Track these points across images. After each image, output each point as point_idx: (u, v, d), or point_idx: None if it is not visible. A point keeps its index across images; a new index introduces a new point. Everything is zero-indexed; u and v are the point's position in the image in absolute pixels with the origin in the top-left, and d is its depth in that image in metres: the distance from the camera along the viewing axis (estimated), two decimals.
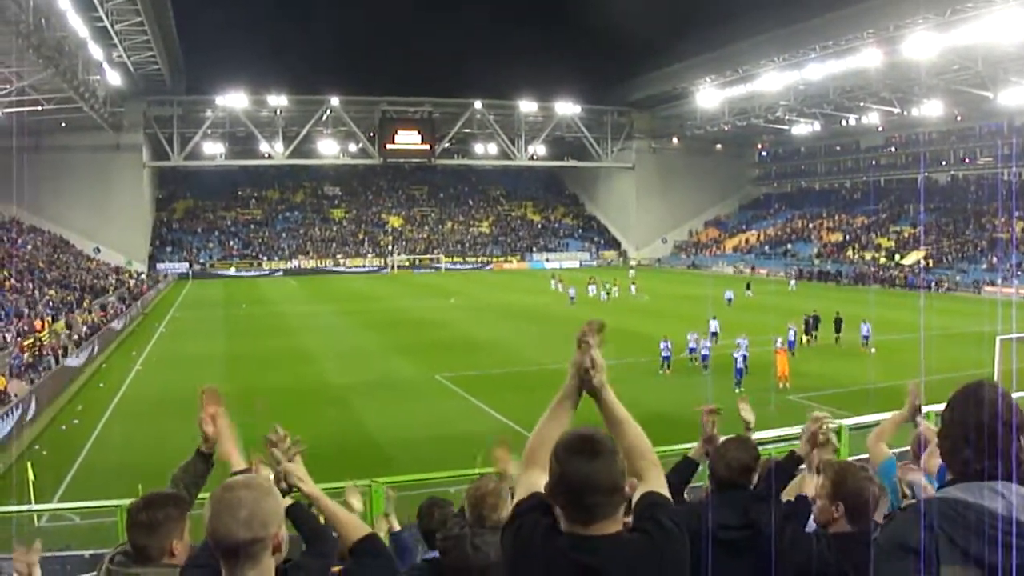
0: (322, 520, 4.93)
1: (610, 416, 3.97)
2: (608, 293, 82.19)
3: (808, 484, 6.38)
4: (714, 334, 49.80)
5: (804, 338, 51.99)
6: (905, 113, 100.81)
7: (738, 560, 5.47)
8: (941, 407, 3.68)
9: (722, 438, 6.68)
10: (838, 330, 53.47)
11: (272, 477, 4.63)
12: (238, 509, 3.49)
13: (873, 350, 48.61)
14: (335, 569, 4.87)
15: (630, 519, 3.80)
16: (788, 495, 6.33)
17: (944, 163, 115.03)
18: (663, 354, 44.00)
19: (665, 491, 3.88)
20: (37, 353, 48.39)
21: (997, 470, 3.25)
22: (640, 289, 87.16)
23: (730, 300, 69.57)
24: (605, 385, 3.97)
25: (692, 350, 46.00)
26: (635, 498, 3.85)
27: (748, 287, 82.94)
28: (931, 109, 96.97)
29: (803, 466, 6.52)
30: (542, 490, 3.80)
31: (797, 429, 7.97)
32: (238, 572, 3.56)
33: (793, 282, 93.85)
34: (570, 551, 3.56)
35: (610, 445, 3.64)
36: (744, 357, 41.35)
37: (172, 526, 4.82)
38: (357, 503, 7.51)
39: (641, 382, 39.96)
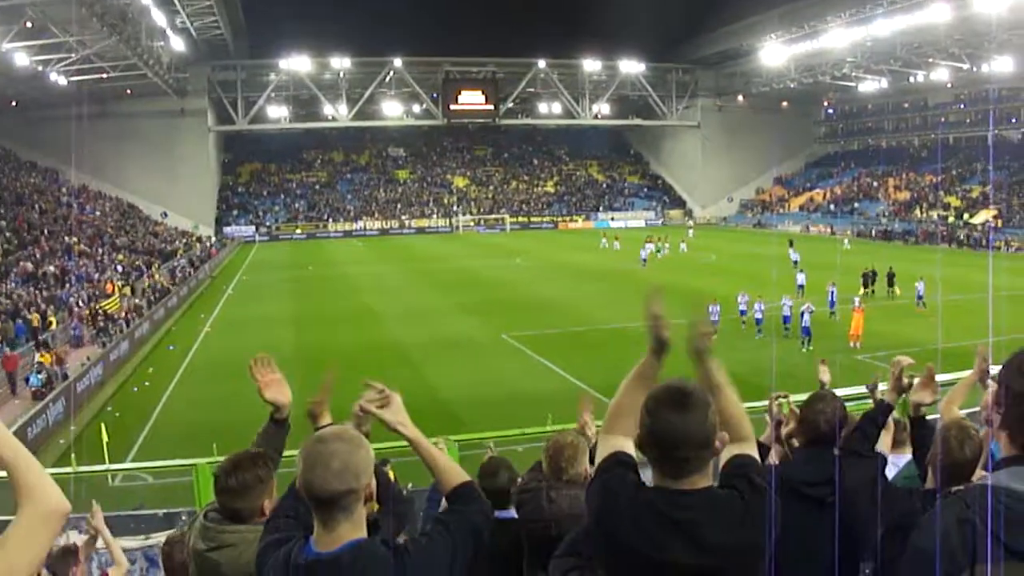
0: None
1: (708, 380, 3.88)
2: (659, 251, 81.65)
3: (886, 437, 6.32)
4: (800, 287, 49.16)
5: (862, 291, 51.63)
6: (975, 69, 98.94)
7: (825, 516, 5.42)
8: None
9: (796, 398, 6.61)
10: (891, 284, 54.07)
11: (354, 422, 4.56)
12: (331, 460, 3.52)
13: (923, 308, 48.61)
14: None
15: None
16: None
17: (1015, 120, 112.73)
18: (711, 318, 41.92)
19: (756, 456, 3.88)
20: (102, 318, 48.86)
21: None
22: (691, 247, 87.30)
23: (796, 262, 66.23)
24: (709, 351, 3.91)
25: (743, 312, 45.11)
26: (723, 459, 3.84)
27: (791, 244, 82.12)
28: (1001, 65, 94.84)
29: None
30: (625, 451, 3.81)
31: (864, 389, 7.86)
32: (331, 523, 3.59)
33: (847, 241, 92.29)
34: (660, 505, 3.55)
35: (702, 398, 3.60)
36: (797, 315, 41.71)
37: (261, 488, 4.86)
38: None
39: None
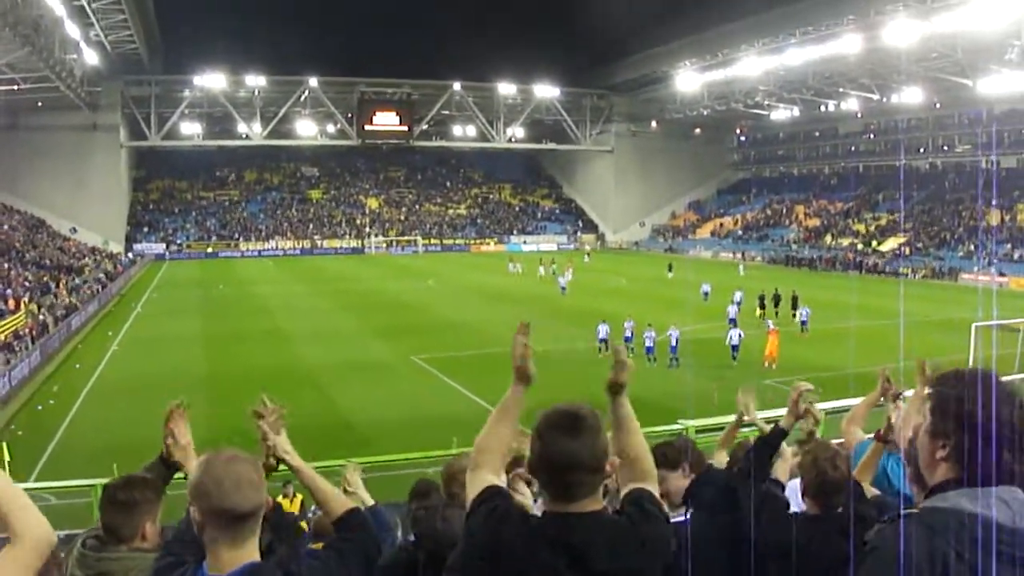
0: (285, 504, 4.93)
1: (618, 416, 3.97)
2: (554, 273, 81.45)
3: (783, 465, 6.41)
4: (732, 320, 49.20)
5: (758, 312, 52.59)
6: (884, 100, 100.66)
7: (717, 541, 5.48)
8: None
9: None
10: (794, 307, 54.79)
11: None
12: (244, 479, 3.54)
13: (806, 334, 49.94)
14: (315, 545, 4.86)
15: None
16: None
17: (922, 150, 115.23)
18: (599, 336, 43.31)
19: (654, 491, 3.90)
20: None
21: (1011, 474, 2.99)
22: (580, 270, 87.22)
23: (706, 294, 65.83)
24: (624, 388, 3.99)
25: (628, 339, 43.86)
26: (623, 493, 3.87)
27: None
28: (910, 96, 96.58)
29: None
30: (498, 484, 3.85)
31: (774, 413, 7.95)
32: (240, 540, 3.59)
33: (742, 267, 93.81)
34: (550, 529, 3.56)
35: (593, 422, 3.62)
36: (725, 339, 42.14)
37: (148, 508, 4.80)
38: (355, 479, 7.49)
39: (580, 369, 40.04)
